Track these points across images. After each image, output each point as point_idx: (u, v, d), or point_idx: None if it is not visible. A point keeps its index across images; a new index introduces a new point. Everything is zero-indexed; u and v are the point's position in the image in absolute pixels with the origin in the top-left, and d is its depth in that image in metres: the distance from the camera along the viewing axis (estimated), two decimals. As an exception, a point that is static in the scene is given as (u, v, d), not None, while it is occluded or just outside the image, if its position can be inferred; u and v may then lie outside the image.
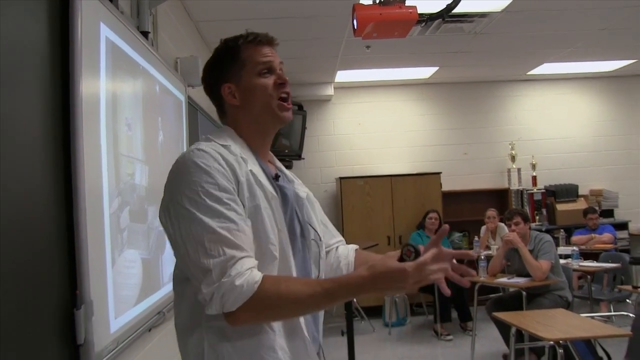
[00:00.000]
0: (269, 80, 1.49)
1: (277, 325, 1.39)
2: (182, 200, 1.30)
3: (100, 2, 2.06)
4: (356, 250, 1.79)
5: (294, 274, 1.43)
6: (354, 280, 1.29)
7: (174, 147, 3.08)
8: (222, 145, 1.42)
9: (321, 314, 1.59)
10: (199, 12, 4.36)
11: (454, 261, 1.37)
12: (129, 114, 2.37)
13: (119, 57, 2.27)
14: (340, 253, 1.74)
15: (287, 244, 1.43)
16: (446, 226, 1.39)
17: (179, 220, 1.31)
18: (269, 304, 1.27)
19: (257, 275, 1.26)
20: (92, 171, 1.88)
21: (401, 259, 1.29)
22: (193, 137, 3.55)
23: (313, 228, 1.57)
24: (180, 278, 1.41)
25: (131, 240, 2.25)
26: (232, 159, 1.39)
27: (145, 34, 2.81)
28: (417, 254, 1.28)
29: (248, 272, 1.25)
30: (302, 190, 1.64)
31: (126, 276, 2.20)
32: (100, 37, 2.05)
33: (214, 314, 1.28)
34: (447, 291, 1.34)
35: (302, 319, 1.44)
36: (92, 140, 1.90)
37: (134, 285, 2.29)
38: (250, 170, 1.41)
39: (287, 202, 1.51)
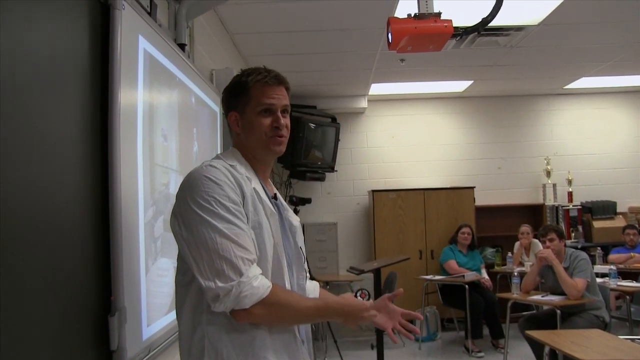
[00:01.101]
0: (267, 121, 1.64)
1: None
2: (195, 208, 1.45)
3: (139, 15, 2.11)
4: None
5: (287, 284, 1.60)
6: (339, 306, 1.57)
7: (208, 157, 3.09)
8: (230, 165, 1.59)
9: None
10: (234, 25, 4.42)
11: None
12: (165, 124, 2.41)
13: (156, 69, 2.31)
14: (308, 286, 1.86)
15: (282, 257, 1.60)
16: (400, 290, 1.81)
17: (192, 225, 1.45)
18: (277, 307, 1.45)
19: (268, 283, 1.45)
20: (128, 180, 1.92)
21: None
22: (227, 148, 3.58)
23: (303, 254, 1.75)
24: (183, 282, 1.55)
25: (164, 249, 2.28)
26: (238, 176, 1.56)
27: (182, 46, 2.87)
28: (369, 296, 1.60)
29: (261, 277, 1.44)
30: (295, 219, 1.80)
31: (159, 284, 2.23)
32: (139, 49, 2.10)
33: (213, 313, 1.45)
34: (395, 340, 1.77)
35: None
36: (129, 150, 1.94)
37: (167, 294, 2.32)
38: (254, 188, 1.58)
39: (284, 221, 1.70)
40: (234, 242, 1.42)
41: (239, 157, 1.66)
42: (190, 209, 1.46)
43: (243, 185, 1.54)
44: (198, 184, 1.48)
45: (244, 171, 1.60)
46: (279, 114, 1.65)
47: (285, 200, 1.77)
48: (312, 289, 1.90)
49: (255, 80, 1.65)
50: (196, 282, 1.45)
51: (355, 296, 1.57)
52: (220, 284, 1.39)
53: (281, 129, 1.65)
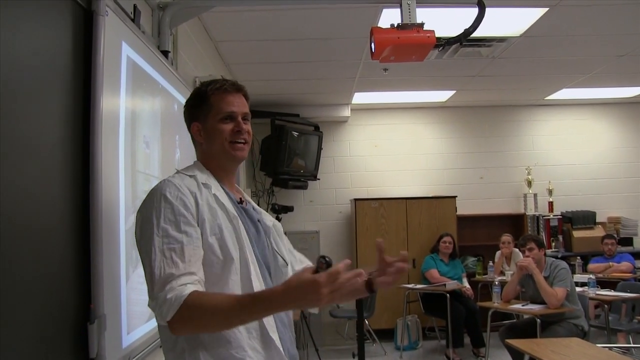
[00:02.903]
0: (228, 127, 1.68)
1: (250, 339, 1.53)
2: (146, 222, 1.51)
3: (123, 21, 2.11)
4: None
5: (256, 286, 1.55)
6: (267, 295, 1.41)
7: (190, 164, 3.10)
8: (189, 176, 1.64)
9: (291, 326, 1.72)
10: (218, 33, 4.42)
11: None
12: (147, 131, 2.41)
13: (139, 76, 2.31)
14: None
15: (250, 262, 1.58)
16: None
17: (141, 238, 1.52)
18: (194, 314, 1.40)
19: (187, 290, 1.41)
20: (109, 187, 1.91)
21: (316, 272, 1.32)
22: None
23: (280, 255, 1.75)
24: None
25: (145, 256, 2.26)
26: (194, 186, 1.59)
27: (165, 53, 2.86)
28: (329, 265, 1.33)
29: (181, 288, 1.41)
30: (269, 220, 1.82)
31: (140, 292, 2.20)
32: (122, 55, 2.09)
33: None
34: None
35: (273, 334, 1.57)
36: (110, 157, 1.93)
37: (147, 301, 2.30)
38: (214, 194, 1.62)
39: (256, 225, 1.72)
40: (167, 258, 1.45)
41: (201, 167, 1.71)
42: (144, 222, 1.52)
43: (197, 194, 1.57)
44: (153, 199, 1.54)
45: (204, 179, 1.64)
46: (240, 119, 1.69)
47: (267, 209, 1.78)
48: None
49: (215, 89, 1.68)
50: None
51: (316, 268, 1.34)
52: (150, 301, 1.46)
53: (243, 133, 1.69)
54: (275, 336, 1.57)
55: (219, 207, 1.60)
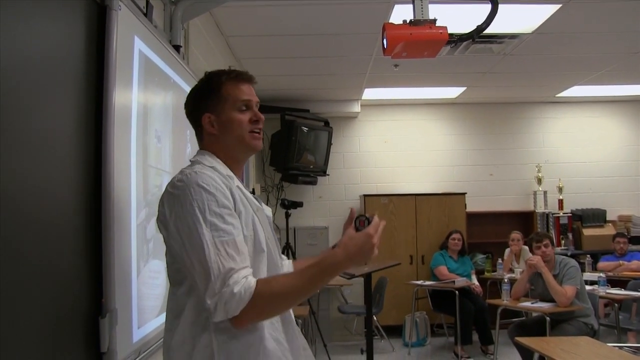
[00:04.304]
0: (246, 117, 1.66)
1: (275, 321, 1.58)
2: (188, 216, 1.46)
3: (136, 16, 2.11)
4: (293, 261, 1.99)
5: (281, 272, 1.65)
6: (330, 260, 1.46)
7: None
8: (210, 167, 1.60)
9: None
10: (229, 27, 4.41)
11: None
12: (158, 126, 2.41)
13: (151, 70, 2.31)
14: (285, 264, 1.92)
15: (274, 248, 1.66)
16: (353, 210, 1.82)
17: (184, 234, 1.46)
18: (267, 302, 1.43)
19: (252, 281, 1.42)
20: (121, 181, 1.91)
21: (357, 230, 1.52)
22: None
23: (277, 243, 1.77)
24: (179, 293, 1.54)
25: (156, 250, 2.27)
26: (222, 178, 1.56)
27: (177, 47, 2.86)
28: (369, 221, 1.51)
29: (244, 280, 1.41)
30: (268, 210, 1.81)
31: (150, 286, 2.22)
32: (134, 50, 2.09)
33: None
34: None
35: (294, 325, 1.66)
36: (122, 152, 1.94)
37: (158, 296, 2.31)
38: (237, 186, 1.60)
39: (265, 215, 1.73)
40: (221, 252, 1.42)
41: (214, 158, 1.66)
42: (183, 218, 1.46)
43: (232, 187, 1.56)
44: (190, 192, 1.48)
45: (224, 171, 1.62)
46: (255, 108, 1.69)
47: (277, 204, 1.81)
48: (287, 265, 1.91)
49: (229, 79, 1.66)
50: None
51: (355, 225, 1.54)
52: (208, 299, 1.41)
53: (260, 122, 1.68)
54: (297, 330, 1.65)
55: (246, 199, 1.60)
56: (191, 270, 1.45)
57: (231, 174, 1.63)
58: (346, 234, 1.51)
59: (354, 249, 1.46)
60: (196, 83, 1.76)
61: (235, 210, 1.52)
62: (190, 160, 1.69)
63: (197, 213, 1.44)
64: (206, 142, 1.70)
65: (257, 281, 1.43)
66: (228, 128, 1.65)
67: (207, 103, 1.66)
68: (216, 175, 1.55)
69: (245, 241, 1.51)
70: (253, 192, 1.71)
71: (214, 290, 1.40)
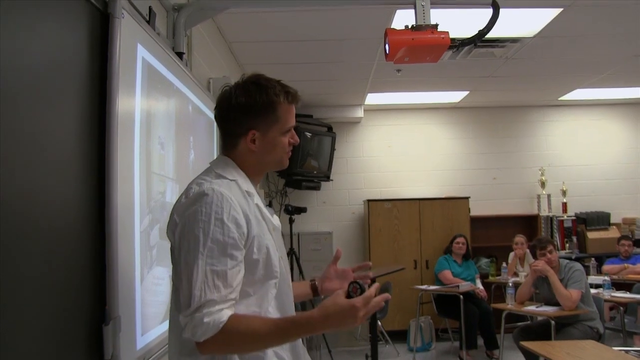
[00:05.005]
0: (287, 139, 1.66)
1: (280, 350, 1.56)
2: (191, 235, 1.45)
3: (139, 23, 2.12)
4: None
5: (290, 298, 1.64)
6: (305, 320, 1.42)
7: (204, 165, 3.11)
8: (231, 180, 1.57)
9: None
10: (232, 34, 4.43)
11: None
12: (162, 132, 2.41)
13: (154, 78, 2.32)
14: None
15: (287, 270, 1.64)
16: (339, 250, 1.89)
17: (184, 252, 1.46)
18: (231, 339, 1.41)
19: (225, 316, 1.41)
20: (124, 189, 1.91)
21: (348, 296, 1.41)
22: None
23: (293, 255, 1.74)
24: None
25: (160, 257, 2.27)
26: (241, 196, 1.54)
27: (180, 54, 2.87)
28: (363, 290, 1.41)
29: (217, 313, 1.40)
30: (277, 220, 1.77)
31: (154, 293, 2.22)
32: (137, 57, 2.10)
33: None
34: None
35: (301, 348, 1.63)
36: (125, 159, 1.94)
37: (161, 303, 2.31)
38: (257, 204, 1.58)
39: (276, 229, 1.70)
40: (209, 280, 1.41)
41: (237, 169, 1.63)
42: (188, 235, 1.46)
43: (246, 208, 1.52)
44: (202, 212, 1.46)
45: (245, 186, 1.59)
46: (293, 130, 1.69)
47: (280, 210, 1.80)
48: None
49: (285, 102, 1.62)
50: None
51: (348, 290, 1.43)
52: (182, 316, 1.43)
53: (294, 145, 1.70)
54: (303, 349, 1.63)
55: (263, 219, 1.58)
56: (178, 283, 1.48)
57: (251, 189, 1.61)
58: (333, 297, 1.43)
59: (334, 316, 1.39)
60: (241, 83, 1.65)
61: (248, 236, 1.50)
62: (210, 166, 1.66)
63: (200, 235, 1.44)
64: (237, 153, 1.64)
65: (231, 317, 1.41)
66: (270, 149, 1.63)
67: (258, 120, 1.60)
68: (236, 192, 1.53)
69: (256, 264, 1.52)
70: (270, 204, 1.68)
71: (188, 311, 1.41)
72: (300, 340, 1.63)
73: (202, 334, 1.39)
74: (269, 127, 1.61)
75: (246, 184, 1.60)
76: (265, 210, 1.62)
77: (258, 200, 1.60)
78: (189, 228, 1.46)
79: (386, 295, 1.42)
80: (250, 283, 1.52)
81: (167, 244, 1.58)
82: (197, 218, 1.45)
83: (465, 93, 6.88)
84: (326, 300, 1.41)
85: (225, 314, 1.41)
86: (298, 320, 1.43)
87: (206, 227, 1.44)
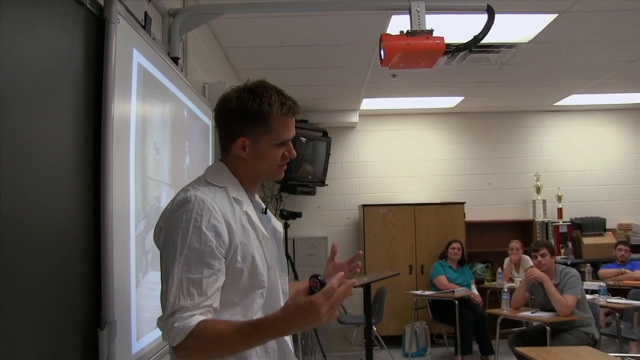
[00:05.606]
0: (280, 152, 1.62)
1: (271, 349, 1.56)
2: (170, 242, 1.46)
3: (134, 29, 2.12)
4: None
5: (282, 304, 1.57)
6: (269, 322, 1.36)
7: (200, 170, 3.10)
8: (220, 187, 1.56)
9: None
10: (227, 39, 4.43)
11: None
12: (157, 137, 2.41)
13: (149, 83, 2.32)
14: None
15: (275, 280, 1.61)
16: (359, 252, 1.85)
17: (164, 258, 1.48)
18: (199, 344, 1.40)
19: (194, 321, 1.39)
20: (120, 193, 1.91)
21: (311, 292, 1.33)
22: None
23: (287, 259, 1.76)
24: None
25: (155, 262, 2.25)
26: (225, 203, 1.53)
27: (175, 59, 2.87)
28: (322, 283, 1.32)
29: (187, 319, 1.39)
30: (278, 225, 1.77)
31: (149, 298, 2.21)
32: (133, 62, 2.10)
33: None
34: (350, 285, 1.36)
35: (290, 356, 1.61)
36: (121, 163, 1.94)
37: (157, 308, 2.28)
38: (245, 212, 1.56)
39: (275, 234, 1.71)
40: (184, 288, 1.41)
41: (230, 175, 1.62)
42: (170, 241, 1.46)
43: (229, 216, 1.51)
44: (183, 219, 1.46)
45: (234, 193, 1.57)
46: (290, 143, 1.64)
47: (276, 215, 1.77)
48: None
49: (279, 113, 1.57)
50: None
51: (310, 288, 1.34)
52: (159, 321, 1.44)
53: (291, 157, 1.65)
54: (293, 358, 1.61)
55: (251, 227, 1.55)
56: (161, 286, 1.48)
57: (241, 196, 1.59)
58: (293, 296, 1.36)
59: (296, 315, 1.31)
60: (240, 88, 1.62)
61: (231, 245, 1.48)
62: (204, 172, 1.66)
63: (179, 243, 1.44)
64: (230, 159, 1.64)
65: (200, 322, 1.39)
66: (259, 159, 1.60)
67: (247, 128, 1.57)
68: (222, 200, 1.52)
69: (240, 273, 1.50)
70: (265, 212, 1.66)
71: (164, 316, 1.42)
72: (292, 350, 1.63)
73: (174, 338, 1.39)
74: (259, 136, 1.58)
75: (236, 191, 1.59)
76: (255, 218, 1.59)
77: (248, 207, 1.58)
78: (170, 235, 1.47)
79: (351, 281, 1.33)
80: (236, 292, 1.51)
81: (163, 249, 1.58)
82: (177, 225, 1.46)
83: (461, 98, 6.90)
84: (288, 300, 1.37)
85: (195, 319, 1.40)
86: (261, 323, 1.38)
87: (184, 235, 1.44)
